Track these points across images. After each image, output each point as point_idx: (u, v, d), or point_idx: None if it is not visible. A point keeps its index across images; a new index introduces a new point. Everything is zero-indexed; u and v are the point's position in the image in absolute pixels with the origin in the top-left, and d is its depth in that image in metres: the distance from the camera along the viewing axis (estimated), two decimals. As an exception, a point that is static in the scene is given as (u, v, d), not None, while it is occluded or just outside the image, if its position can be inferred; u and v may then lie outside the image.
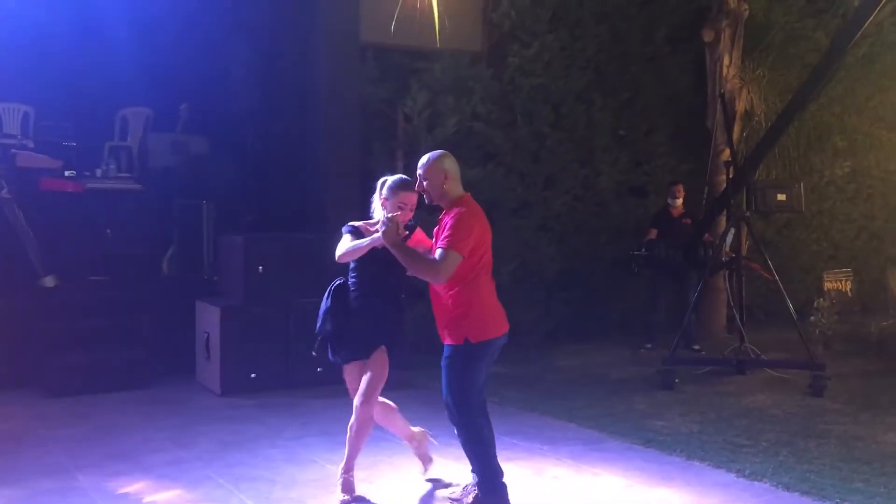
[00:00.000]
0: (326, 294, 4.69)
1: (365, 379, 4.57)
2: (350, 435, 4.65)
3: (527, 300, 8.96)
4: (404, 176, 4.62)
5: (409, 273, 4.32)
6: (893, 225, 12.26)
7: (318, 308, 4.71)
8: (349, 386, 4.72)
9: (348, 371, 4.70)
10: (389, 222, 4.12)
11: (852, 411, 6.58)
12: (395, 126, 8.98)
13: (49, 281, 7.75)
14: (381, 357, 4.56)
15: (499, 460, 4.43)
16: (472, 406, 4.28)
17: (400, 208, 4.38)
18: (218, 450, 5.58)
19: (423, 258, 4.19)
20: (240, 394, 7.04)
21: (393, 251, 4.16)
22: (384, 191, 4.52)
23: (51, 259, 7.85)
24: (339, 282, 4.69)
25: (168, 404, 6.83)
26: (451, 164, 4.31)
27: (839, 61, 7.78)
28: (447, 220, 4.17)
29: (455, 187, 4.31)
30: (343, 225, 4.61)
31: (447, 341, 4.28)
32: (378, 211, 4.58)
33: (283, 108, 8.64)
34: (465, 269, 4.14)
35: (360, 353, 4.61)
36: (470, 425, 4.28)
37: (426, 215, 4.88)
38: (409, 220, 4.52)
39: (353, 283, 4.61)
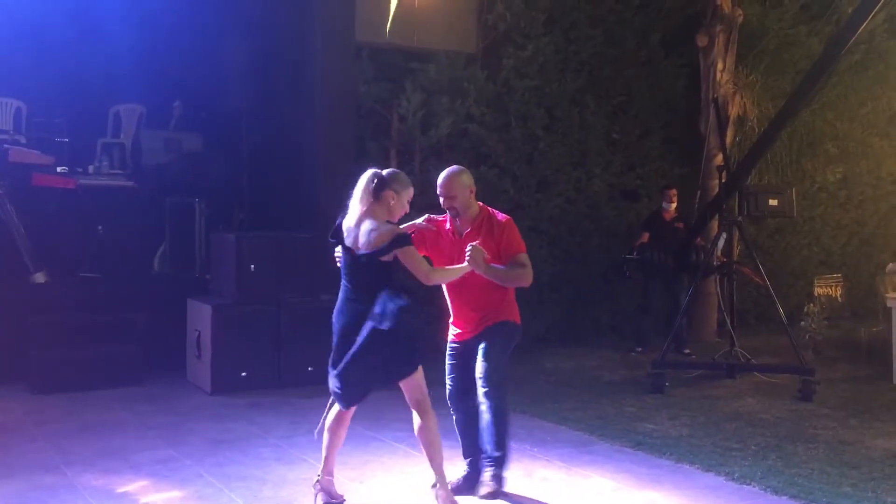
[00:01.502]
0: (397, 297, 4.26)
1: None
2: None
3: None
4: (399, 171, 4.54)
5: (506, 285, 4.53)
6: (884, 231, 12.32)
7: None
8: (425, 390, 4.39)
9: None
10: (475, 251, 4.29)
11: (841, 416, 6.61)
12: (389, 126, 8.98)
13: (40, 277, 7.73)
14: None
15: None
16: (507, 381, 4.57)
17: (408, 202, 4.42)
18: (208, 448, 5.57)
19: (514, 271, 4.47)
20: (230, 392, 7.02)
21: (486, 275, 4.37)
22: (394, 185, 4.31)
23: (42, 255, 7.82)
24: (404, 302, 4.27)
25: (159, 402, 6.81)
26: (469, 178, 4.57)
27: (832, 68, 7.81)
28: (502, 232, 4.48)
29: (474, 199, 4.58)
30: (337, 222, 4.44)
31: (501, 319, 4.57)
32: (356, 204, 4.30)
33: (278, 106, 8.62)
34: None
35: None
36: (505, 397, 4.51)
37: (413, 211, 4.85)
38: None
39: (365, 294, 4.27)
